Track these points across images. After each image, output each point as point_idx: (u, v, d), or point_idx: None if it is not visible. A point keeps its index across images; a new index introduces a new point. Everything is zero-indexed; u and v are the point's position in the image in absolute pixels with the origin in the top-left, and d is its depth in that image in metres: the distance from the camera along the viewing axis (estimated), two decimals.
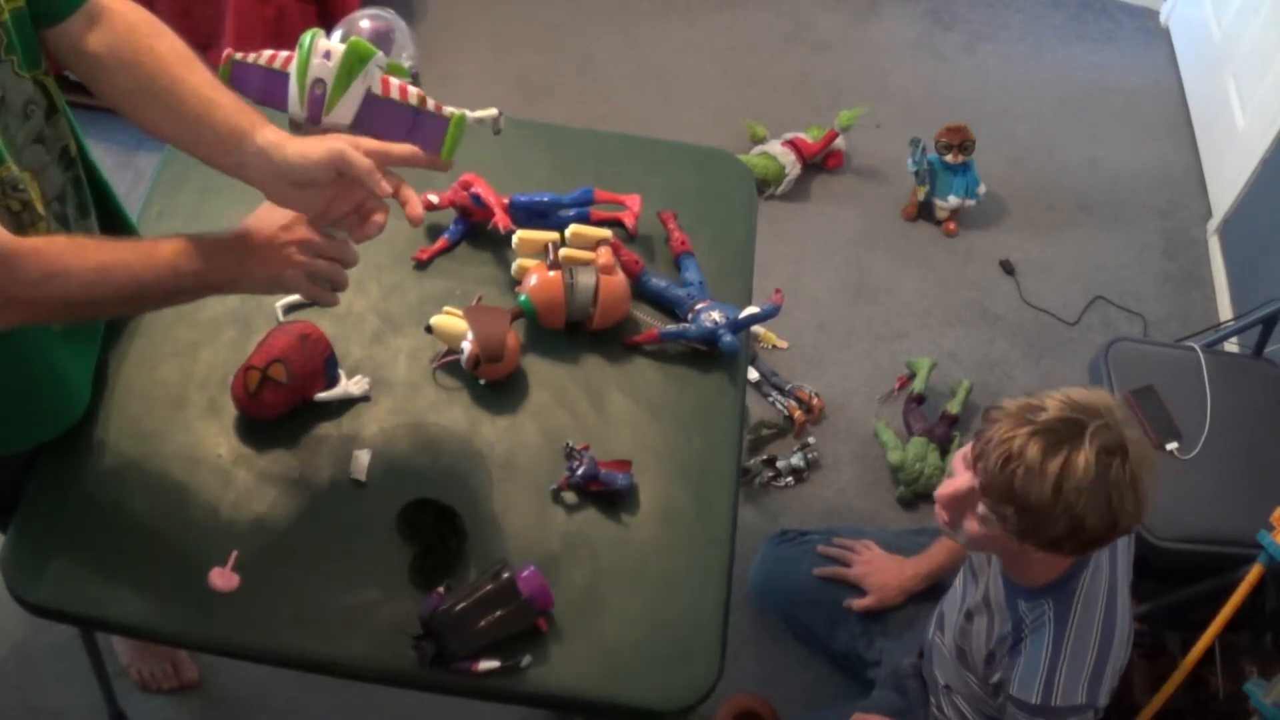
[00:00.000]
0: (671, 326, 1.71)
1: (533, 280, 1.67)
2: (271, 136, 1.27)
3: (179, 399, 1.57)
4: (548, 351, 1.70)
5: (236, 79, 1.39)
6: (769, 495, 2.61)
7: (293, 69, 1.35)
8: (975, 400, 2.84)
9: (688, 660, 1.44)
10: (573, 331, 1.71)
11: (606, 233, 1.76)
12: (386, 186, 1.28)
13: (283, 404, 1.54)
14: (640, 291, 1.75)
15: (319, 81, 1.33)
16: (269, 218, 1.33)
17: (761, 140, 3.29)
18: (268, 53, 1.39)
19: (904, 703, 1.96)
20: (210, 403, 1.57)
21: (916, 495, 2.64)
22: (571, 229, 1.75)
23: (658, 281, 1.76)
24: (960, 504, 1.49)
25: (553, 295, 1.66)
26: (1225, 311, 3.07)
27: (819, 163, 3.29)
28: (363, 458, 1.55)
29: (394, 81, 1.35)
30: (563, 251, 1.70)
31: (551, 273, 1.66)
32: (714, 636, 1.47)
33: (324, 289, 1.36)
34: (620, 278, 1.69)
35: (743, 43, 3.68)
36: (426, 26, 3.57)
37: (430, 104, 1.35)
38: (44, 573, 1.42)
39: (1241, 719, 2.04)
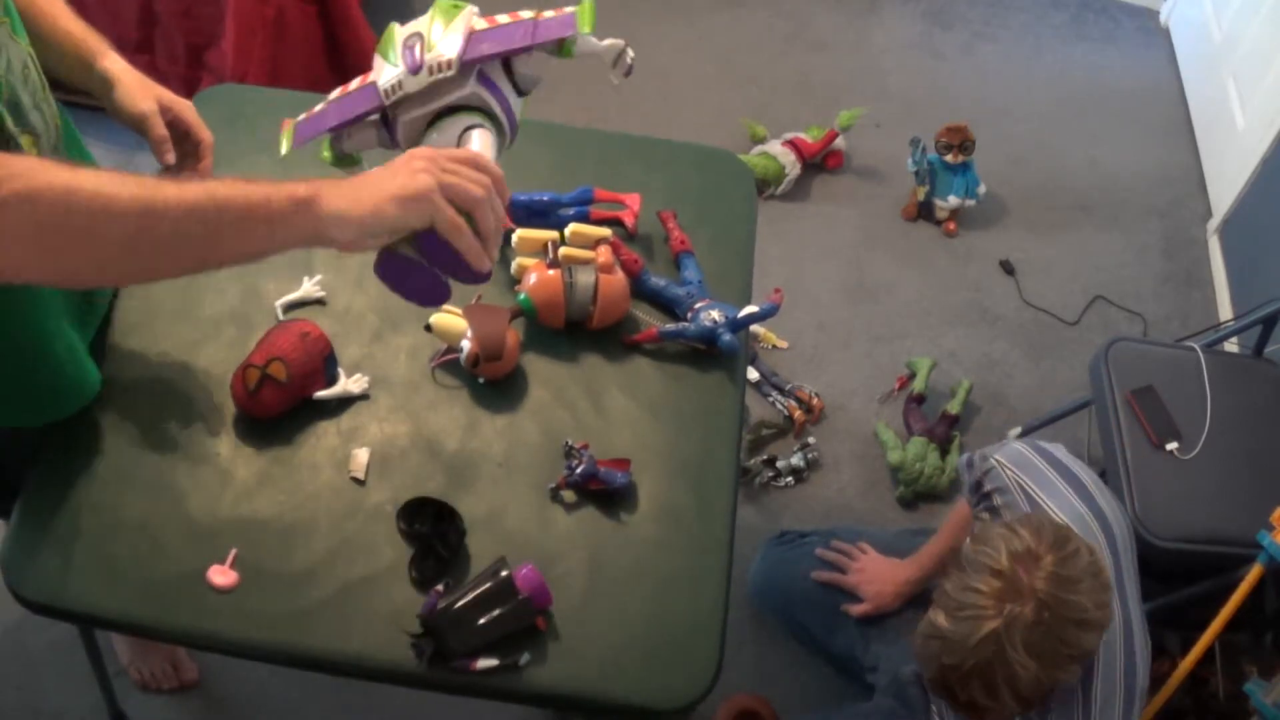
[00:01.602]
0: (671, 325, 1.71)
1: (532, 279, 1.67)
2: (109, 67, 1.27)
3: (179, 397, 1.57)
4: (547, 350, 1.70)
5: (302, 133, 1.28)
6: (769, 495, 2.61)
7: (377, 60, 1.22)
8: (975, 400, 2.84)
9: (686, 659, 1.44)
10: (572, 330, 1.71)
11: (606, 232, 1.76)
12: (169, 159, 1.32)
13: (282, 402, 1.54)
14: (639, 290, 1.75)
15: (414, 35, 1.18)
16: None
17: (761, 140, 3.29)
18: (319, 105, 1.27)
19: (905, 710, 1.96)
20: (210, 401, 1.57)
21: (916, 495, 2.64)
22: (571, 228, 1.75)
23: (657, 280, 1.76)
24: None
25: (552, 294, 1.66)
26: (1225, 311, 3.07)
27: (819, 163, 3.29)
28: (362, 456, 1.55)
29: (496, 17, 1.20)
30: (562, 250, 1.70)
31: (551, 271, 1.66)
32: (713, 635, 1.46)
33: (460, 220, 1.07)
34: (620, 277, 1.69)
35: (743, 43, 3.68)
36: None
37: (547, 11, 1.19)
38: (43, 570, 1.42)
39: (1241, 719, 2.04)
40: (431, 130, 1.21)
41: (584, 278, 1.66)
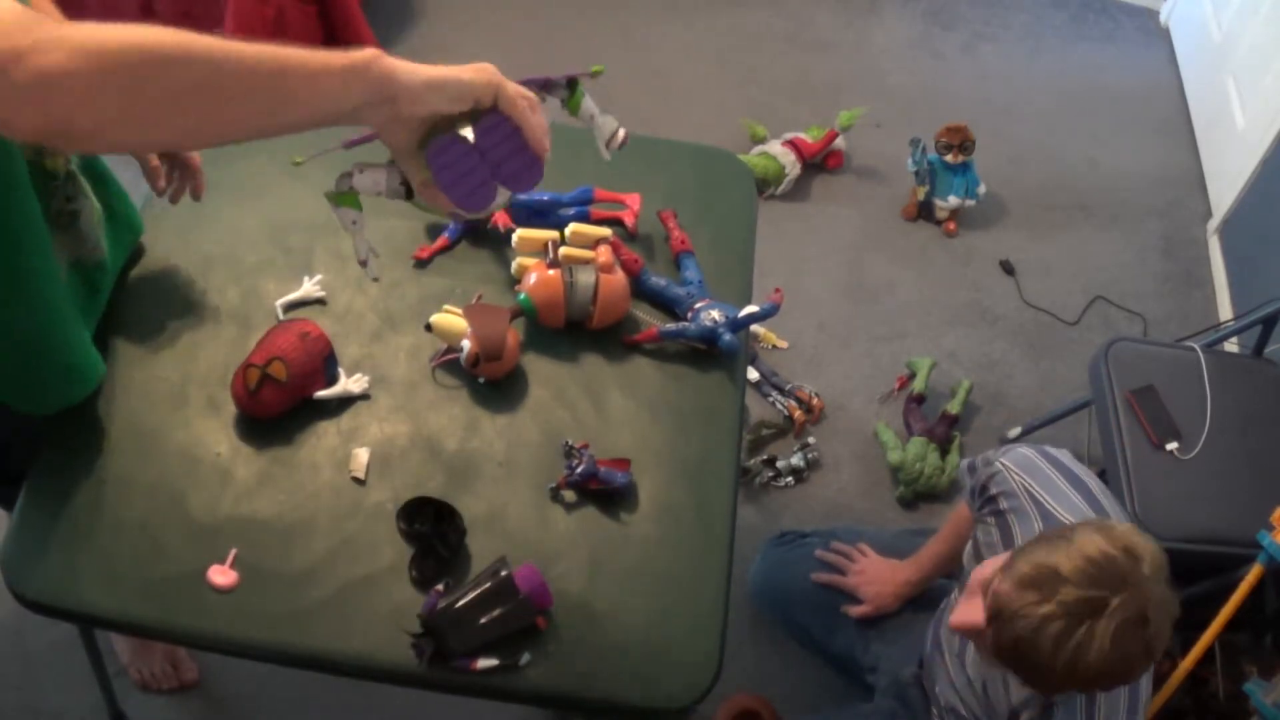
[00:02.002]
0: (671, 325, 1.71)
1: (532, 279, 1.67)
2: None
3: (179, 397, 1.57)
4: (547, 350, 1.70)
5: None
6: (769, 495, 2.61)
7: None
8: (975, 400, 2.84)
9: (687, 659, 1.44)
10: (572, 330, 1.71)
11: (606, 231, 1.76)
12: (161, 185, 1.50)
13: (282, 402, 1.54)
14: (640, 290, 1.75)
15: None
16: None
17: (761, 140, 3.29)
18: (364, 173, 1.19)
19: (905, 711, 1.96)
20: (210, 400, 1.57)
21: (916, 495, 2.64)
22: (571, 228, 1.75)
23: (657, 280, 1.76)
24: (971, 634, 1.46)
25: (552, 293, 1.66)
26: (1225, 311, 3.07)
27: (819, 163, 3.29)
28: (362, 456, 1.55)
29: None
30: (562, 250, 1.70)
31: (551, 271, 1.66)
32: (713, 635, 1.46)
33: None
34: (620, 276, 1.69)
35: (743, 43, 3.68)
36: (427, 26, 3.57)
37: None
38: (43, 570, 1.42)
39: (1241, 719, 2.04)
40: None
41: (584, 278, 1.66)
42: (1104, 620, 1.29)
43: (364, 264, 1.26)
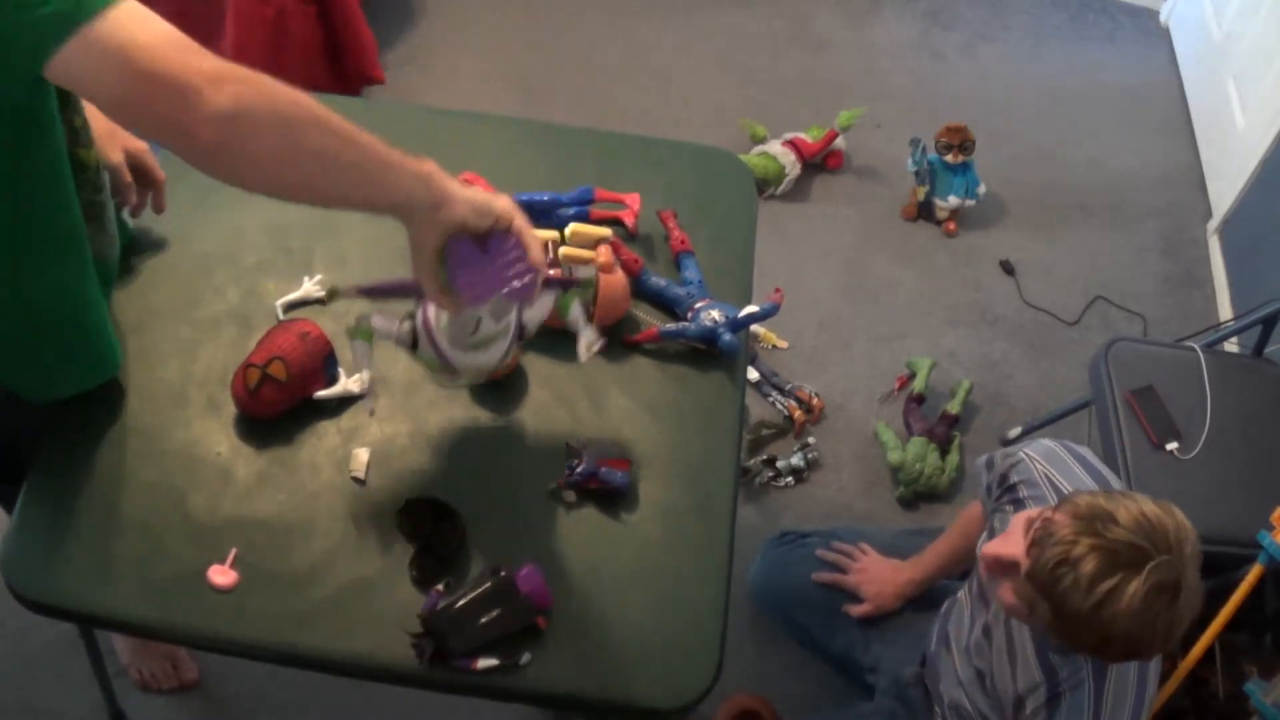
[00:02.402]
0: (671, 325, 1.71)
1: None
2: (74, 119, 1.34)
3: (179, 397, 1.57)
4: (548, 350, 1.70)
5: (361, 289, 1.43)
6: (769, 495, 2.61)
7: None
8: (975, 400, 2.84)
9: (687, 658, 1.44)
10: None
11: (606, 231, 1.75)
12: (133, 199, 1.58)
13: (282, 401, 1.54)
14: (640, 290, 1.75)
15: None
16: None
17: (761, 140, 3.29)
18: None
19: (906, 711, 1.96)
20: (210, 401, 1.57)
21: (916, 495, 2.64)
22: (571, 227, 1.75)
23: (657, 280, 1.76)
24: (1003, 569, 1.46)
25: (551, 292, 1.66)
26: (1225, 311, 3.07)
27: (819, 163, 3.29)
28: (362, 456, 1.55)
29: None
30: (563, 250, 1.70)
31: (551, 271, 1.66)
32: (713, 635, 1.46)
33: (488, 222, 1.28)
34: (620, 276, 1.69)
35: (743, 43, 3.68)
36: (427, 26, 3.57)
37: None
38: (44, 569, 1.42)
39: (1241, 719, 2.04)
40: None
41: (584, 277, 1.66)
42: (1142, 575, 1.32)
43: (363, 396, 1.57)
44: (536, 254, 1.30)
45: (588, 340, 1.53)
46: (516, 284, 1.31)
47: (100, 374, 1.53)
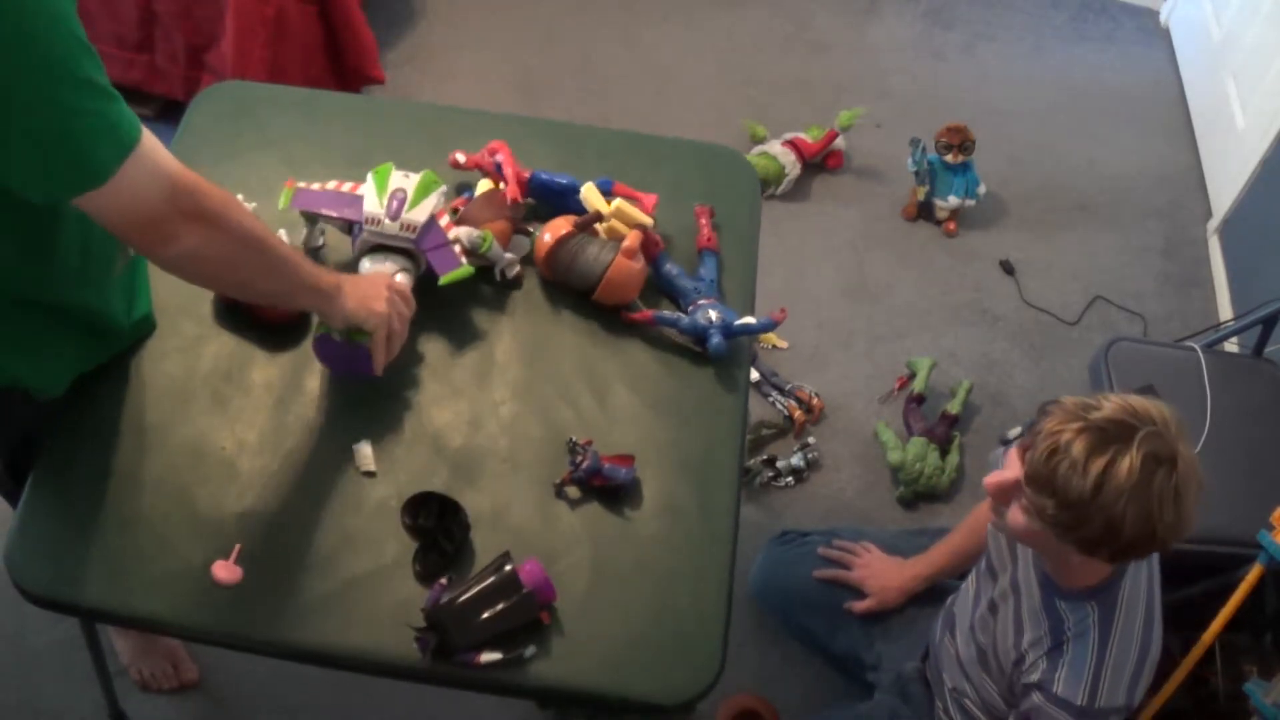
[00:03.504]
0: (667, 312, 1.72)
1: (547, 237, 1.73)
2: None
3: (183, 392, 1.57)
4: (552, 347, 1.70)
5: (299, 200, 1.67)
6: (769, 495, 2.61)
7: (370, 181, 1.65)
8: (975, 400, 2.84)
9: (689, 655, 1.44)
10: (576, 325, 1.71)
11: (647, 220, 1.77)
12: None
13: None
14: (654, 273, 1.77)
15: (400, 190, 1.64)
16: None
17: (761, 140, 3.29)
18: (331, 182, 1.69)
19: (907, 708, 1.96)
20: (215, 396, 1.57)
21: (916, 495, 2.64)
22: (616, 203, 1.76)
23: (671, 268, 1.77)
24: (1007, 493, 1.48)
25: (554, 233, 1.71)
26: (1225, 311, 3.08)
27: (819, 163, 3.29)
28: (366, 450, 1.55)
29: (446, 218, 1.69)
30: (606, 224, 1.76)
31: (567, 230, 1.72)
32: (716, 631, 1.47)
33: (386, 341, 1.55)
34: (638, 265, 1.71)
35: (743, 43, 3.68)
36: (427, 26, 3.57)
37: (457, 248, 1.67)
38: (48, 565, 1.42)
39: (1241, 719, 2.04)
40: (367, 259, 1.65)
41: (603, 254, 1.68)
42: (1133, 446, 1.35)
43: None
44: (379, 359, 1.55)
45: (507, 260, 1.74)
46: (358, 366, 1.56)
47: (105, 349, 1.57)
